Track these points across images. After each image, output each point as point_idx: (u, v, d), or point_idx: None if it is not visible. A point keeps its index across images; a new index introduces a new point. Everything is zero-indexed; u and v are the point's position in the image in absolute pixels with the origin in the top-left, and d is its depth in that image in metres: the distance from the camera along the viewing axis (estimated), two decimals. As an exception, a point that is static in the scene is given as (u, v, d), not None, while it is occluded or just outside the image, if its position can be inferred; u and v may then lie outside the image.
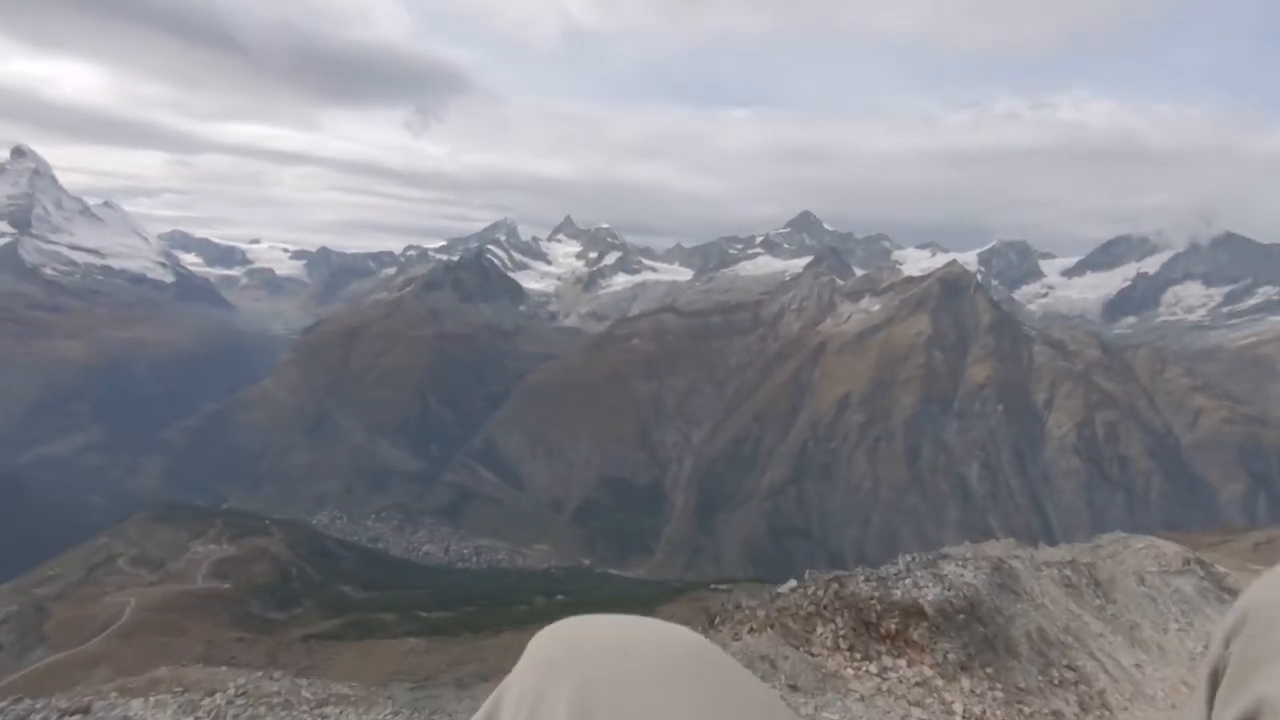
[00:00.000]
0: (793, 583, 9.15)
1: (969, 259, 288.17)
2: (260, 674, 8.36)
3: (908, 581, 8.40)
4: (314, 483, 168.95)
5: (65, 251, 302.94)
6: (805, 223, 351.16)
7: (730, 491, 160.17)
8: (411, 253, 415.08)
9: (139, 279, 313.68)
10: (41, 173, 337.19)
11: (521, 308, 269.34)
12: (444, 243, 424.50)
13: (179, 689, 6.91)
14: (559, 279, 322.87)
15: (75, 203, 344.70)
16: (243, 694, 6.84)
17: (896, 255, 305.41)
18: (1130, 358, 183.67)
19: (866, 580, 8.62)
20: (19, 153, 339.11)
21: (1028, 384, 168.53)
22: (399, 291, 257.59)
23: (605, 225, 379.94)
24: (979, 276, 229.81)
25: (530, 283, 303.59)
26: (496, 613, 69.92)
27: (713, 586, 76.96)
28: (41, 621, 53.86)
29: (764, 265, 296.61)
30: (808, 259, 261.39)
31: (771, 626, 7.66)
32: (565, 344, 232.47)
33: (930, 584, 8.33)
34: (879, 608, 7.92)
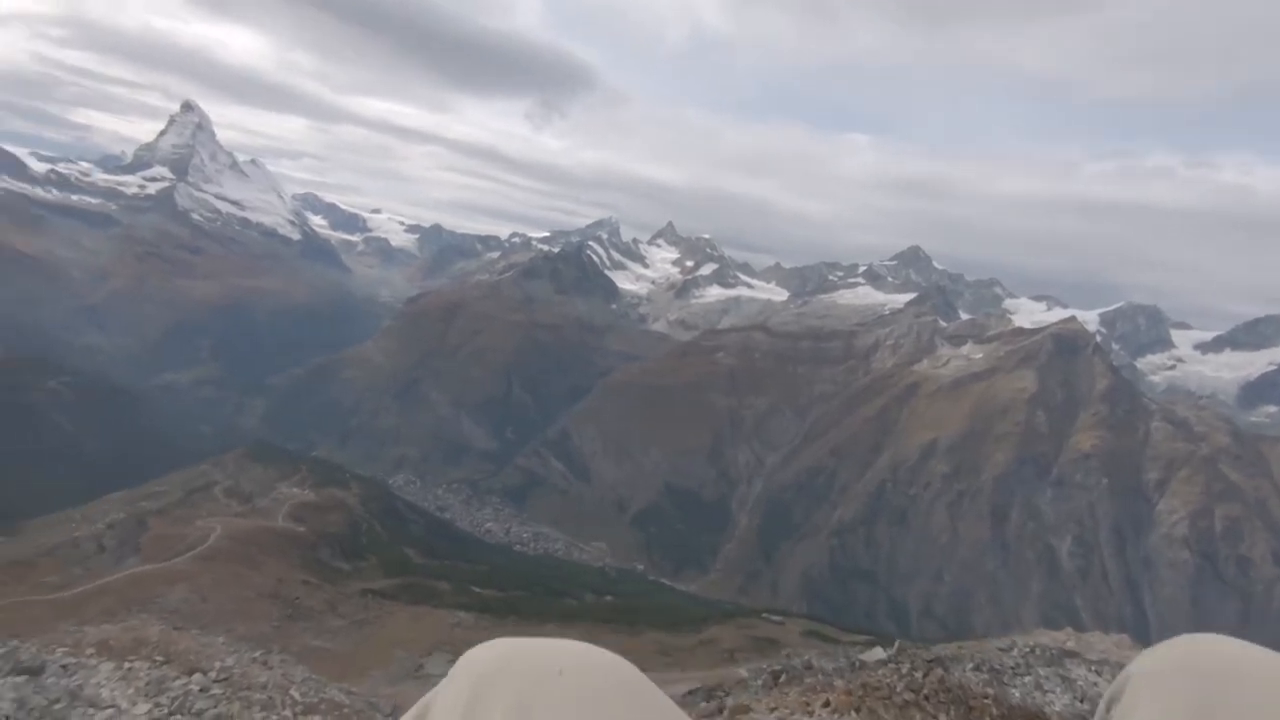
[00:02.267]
0: (880, 652, 7.92)
1: (1089, 318, 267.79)
2: (259, 655, 7.71)
3: (1028, 680, 7.06)
4: (396, 445, 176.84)
5: (212, 200, 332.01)
6: (913, 258, 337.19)
7: (797, 521, 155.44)
8: (516, 239, 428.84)
9: (270, 233, 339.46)
10: (203, 127, 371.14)
11: (613, 306, 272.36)
12: (548, 233, 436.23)
13: (160, 658, 6.16)
14: (653, 283, 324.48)
15: (227, 157, 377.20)
16: (224, 679, 6.05)
17: (1008, 304, 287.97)
18: (1266, 450, 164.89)
19: (976, 669, 7.29)
20: (187, 107, 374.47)
21: (1140, 461, 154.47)
22: (499, 275, 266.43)
23: (706, 235, 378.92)
24: (1099, 337, 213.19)
25: (625, 283, 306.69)
26: (546, 601, 70.38)
27: (765, 615, 74.52)
28: (140, 533, 58.69)
29: (864, 296, 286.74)
30: (911, 295, 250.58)
31: (857, 710, 6.33)
32: (651, 347, 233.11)
33: (1057, 688, 6.91)
34: (995, 711, 6.58)
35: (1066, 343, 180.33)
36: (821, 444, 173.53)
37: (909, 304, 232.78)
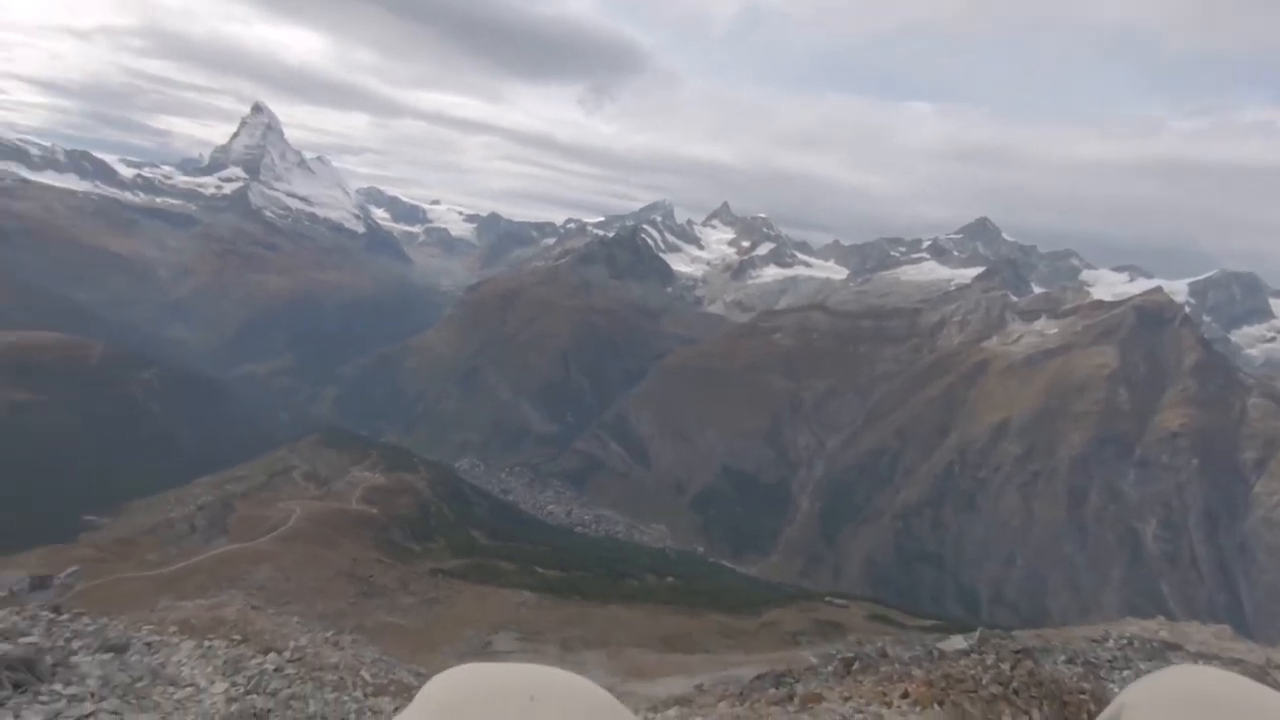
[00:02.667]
0: (960, 641, 7.37)
1: (1178, 288, 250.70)
2: (330, 634, 7.92)
3: (1127, 674, 6.55)
4: (459, 430, 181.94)
5: (283, 198, 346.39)
6: (981, 230, 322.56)
7: (860, 504, 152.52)
8: (571, 225, 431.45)
9: (337, 228, 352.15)
10: (273, 127, 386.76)
11: (669, 289, 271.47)
12: (602, 219, 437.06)
13: (238, 637, 6.32)
14: (709, 264, 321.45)
15: (295, 155, 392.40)
16: (298, 659, 6.17)
17: (1086, 275, 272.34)
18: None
19: (1069, 662, 6.76)
20: (257, 109, 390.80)
21: (1235, 439, 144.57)
22: (555, 262, 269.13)
23: (762, 215, 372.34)
24: (1188, 309, 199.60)
25: (680, 265, 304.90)
26: (608, 582, 71.31)
27: (828, 599, 73.59)
28: (227, 515, 62.39)
29: (928, 271, 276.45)
30: (979, 269, 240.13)
31: (940, 703, 5.88)
32: (707, 330, 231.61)
33: (1160, 685, 6.25)
34: (1093, 708, 5.97)
35: (1151, 315, 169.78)
36: (885, 425, 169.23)
37: (977, 279, 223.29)
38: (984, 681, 6.19)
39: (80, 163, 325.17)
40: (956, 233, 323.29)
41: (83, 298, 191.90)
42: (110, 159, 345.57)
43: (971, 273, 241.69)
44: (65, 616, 6.24)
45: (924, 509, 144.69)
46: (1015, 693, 6.12)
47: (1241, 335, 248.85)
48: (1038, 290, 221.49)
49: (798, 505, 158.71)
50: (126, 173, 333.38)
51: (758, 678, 7.68)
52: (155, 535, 61.54)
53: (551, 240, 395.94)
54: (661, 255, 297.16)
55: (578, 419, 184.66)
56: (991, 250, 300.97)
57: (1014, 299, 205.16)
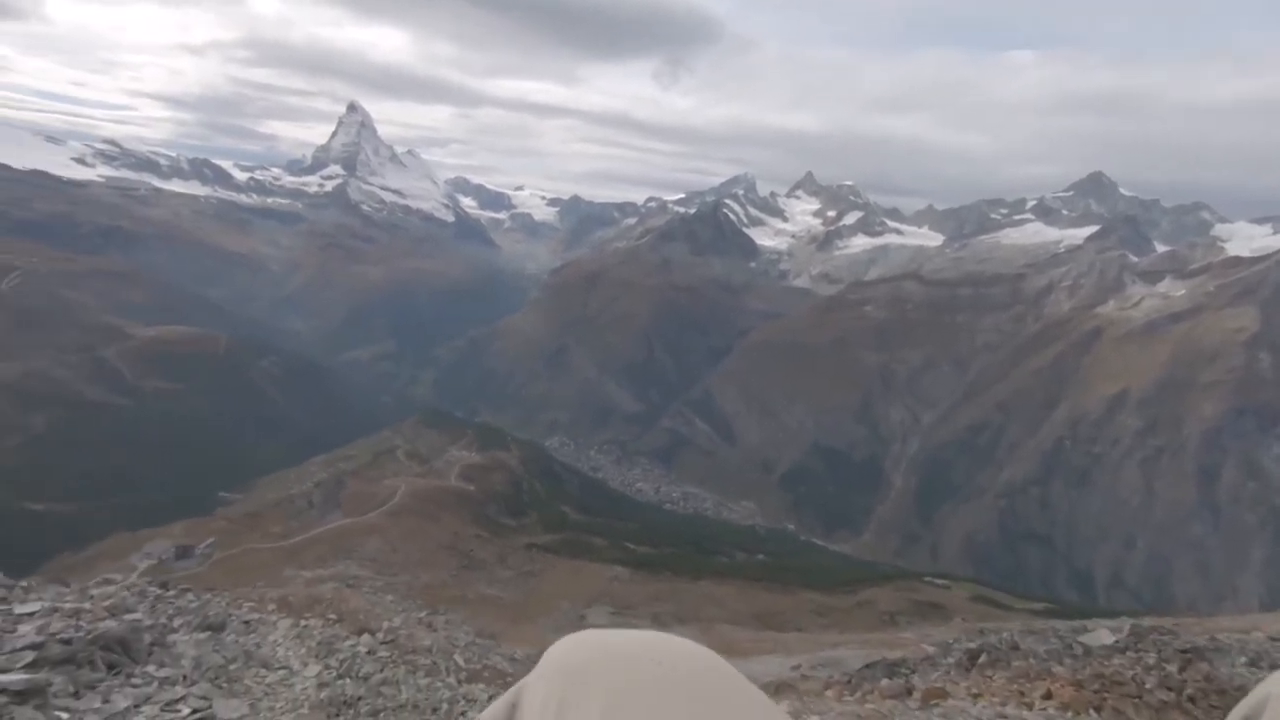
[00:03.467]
0: (1105, 635, 6.47)
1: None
2: (424, 615, 7.89)
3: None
4: (548, 410, 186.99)
5: (378, 191, 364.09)
6: (1095, 186, 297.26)
7: (959, 482, 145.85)
8: (652, 204, 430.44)
9: (428, 218, 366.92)
10: (366, 125, 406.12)
11: (752, 264, 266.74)
12: (683, 195, 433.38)
13: (333, 616, 6.29)
14: (794, 237, 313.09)
15: (387, 150, 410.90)
16: (391, 641, 6.10)
17: (1219, 230, 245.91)
18: None
19: (1252, 664, 5.76)
20: (351, 108, 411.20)
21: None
22: (636, 241, 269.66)
23: (849, 183, 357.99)
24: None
25: (764, 239, 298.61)
26: (698, 559, 71.71)
27: (927, 579, 71.01)
28: (340, 491, 67.00)
29: (1033, 234, 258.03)
30: (1092, 229, 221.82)
31: (1097, 709, 5.00)
32: (792, 304, 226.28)
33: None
34: None
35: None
36: (985, 399, 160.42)
37: (1090, 239, 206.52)
38: (1147, 685, 5.34)
39: (201, 169, 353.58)
40: (1066, 190, 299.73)
41: (211, 294, 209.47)
42: (226, 164, 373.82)
43: (1084, 232, 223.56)
44: (171, 593, 6.24)
45: (1030, 487, 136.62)
46: (1191, 700, 5.20)
47: None
48: (1161, 249, 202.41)
49: (891, 483, 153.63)
50: (241, 176, 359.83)
51: (867, 666, 7.17)
52: (279, 509, 66.85)
53: (632, 220, 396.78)
54: (744, 230, 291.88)
55: (663, 397, 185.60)
56: (1107, 207, 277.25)
57: (1133, 259, 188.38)
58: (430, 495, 67.76)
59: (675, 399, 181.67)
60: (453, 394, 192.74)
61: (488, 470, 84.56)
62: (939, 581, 70.21)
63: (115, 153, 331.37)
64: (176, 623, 5.20)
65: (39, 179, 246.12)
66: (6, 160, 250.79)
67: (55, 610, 5.14)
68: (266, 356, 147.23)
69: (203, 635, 5.02)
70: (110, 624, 4.85)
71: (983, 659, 6.34)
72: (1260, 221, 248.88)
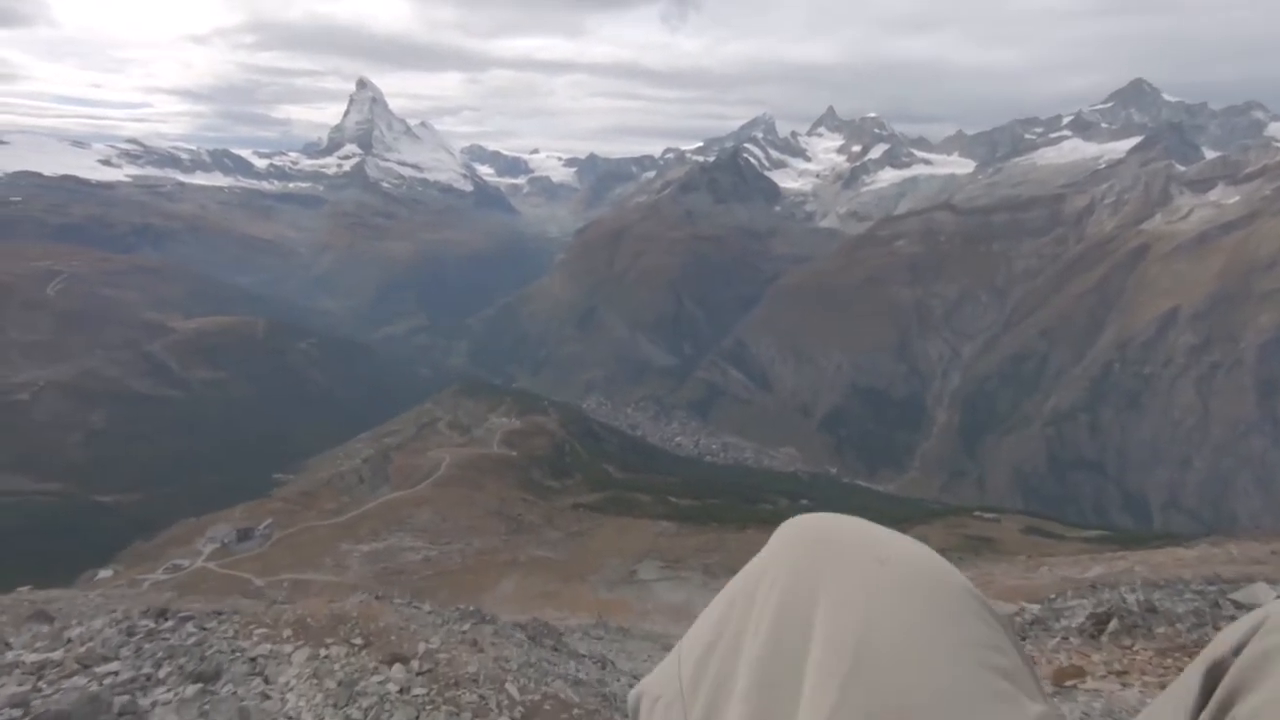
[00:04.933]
0: (1265, 590, 5.54)
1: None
2: (467, 629, 6.61)
3: None
4: (583, 370, 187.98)
5: (395, 167, 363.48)
6: (1135, 94, 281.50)
7: (1004, 413, 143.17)
8: (670, 155, 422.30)
9: (447, 189, 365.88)
10: (378, 100, 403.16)
11: (777, 208, 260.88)
12: (701, 143, 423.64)
13: (359, 640, 4.93)
14: (818, 176, 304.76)
15: (401, 124, 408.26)
16: (428, 671, 4.83)
17: (1274, 129, 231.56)
18: None
19: None
20: (361, 84, 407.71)
21: None
22: (657, 195, 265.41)
23: (872, 115, 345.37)
24: None
25: (787, 181, 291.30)
26: (742, 508, 72.03)
27: (977, 513, 70.31)
28: (387, 465, 68.69)
29: (1070, 151, 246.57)
30: (1135, 140, 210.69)
31: None
32: (821, 246, 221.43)
33: None
34: None
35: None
36: (1027, 327, 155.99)
37: (1132, 151, 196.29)
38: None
39: (222, 160, 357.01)
40: (1105, 102, 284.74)
41: (243, 281, 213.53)
42: (245, 153, 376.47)
43: (1126, 145, 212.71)
44: (168, 624, 5.25)
45: (1078, 413, 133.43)
46: None
47: None
48: (1211, 155, 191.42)
49: (934, 419, 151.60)
50: (260, 164, 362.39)
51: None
52: (331, 486, 68.86)
53: (651, 174, 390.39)
54: (766, 174, 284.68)
55: (695, 349, 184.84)
56: (1150, 116, 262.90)
57: (1180, 169, 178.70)
58: (474, 463, 68.98)
59: (708, 350, 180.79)
60: (488, 362, 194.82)
61: (528, 435, 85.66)
62: (988, 515, 69.45)
63: (139, 151, 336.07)
64: (164, 670, 4.33)
65: (71, 184, 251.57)
66: (38, 168, 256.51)
67: (15, 666, 4.33)
68: (304, 339, 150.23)
69: (191, 691, 4.07)
70: (71, 688, 3.93)
71: (1113, 626, 5.22)
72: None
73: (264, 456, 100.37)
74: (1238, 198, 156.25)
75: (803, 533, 1.25)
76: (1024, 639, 5.56)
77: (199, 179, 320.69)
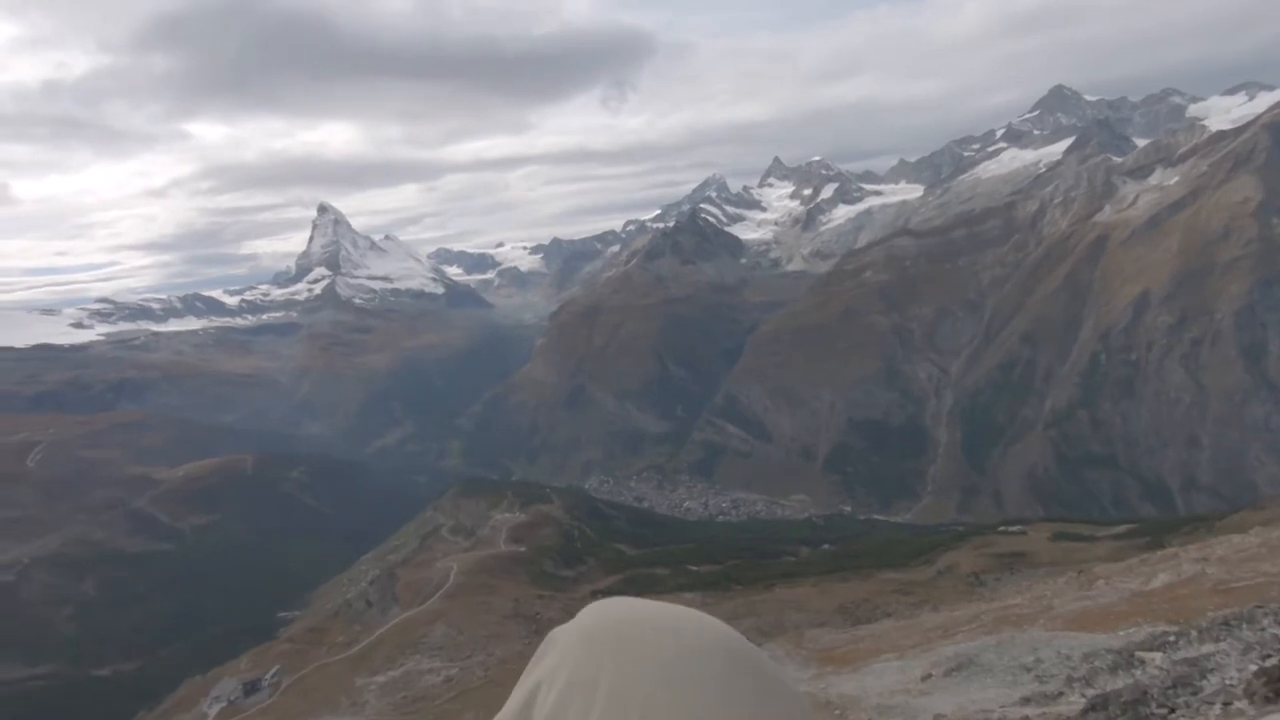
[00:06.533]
0: None
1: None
2: None
3: None
4: (579, 451, 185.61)
5: (365, 282, 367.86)
6: (1058, 100, 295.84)
7: (1002, 423, 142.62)
8: (631, 227, 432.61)
9: (419, 295, 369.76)
10: (340, 221, 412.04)
11: (743, 260, 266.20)
12: (659, 211, 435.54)
13: None
14: (776, 224, 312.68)
15: (365, 241, 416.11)
16: None
17: (1194, 110, 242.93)
18: None
19: None
20: (322, 209, 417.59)
21: None
22: (625, 266, 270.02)
23: (817, 158, 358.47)
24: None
25: (748, 233, 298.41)
26: (763, 565, 69.81)
27: (1001, 529, 68.72)
28: (394, 584, 65.97)
29: (1010, 161, 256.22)
30: (1067, 141, 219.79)
31: None
32: (791, 289, 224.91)
33: None
34: None
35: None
36: (1007, 334, 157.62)
37: (1068, 151, 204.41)
38: None
39: (194, 304, 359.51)
40: (1031, 110, 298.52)
41: (227, 419, 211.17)
42: (216, 293, 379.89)
43: (1060, 147, 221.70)
44: None
45: (1077, 410, 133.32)
46: None
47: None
48: (1141, 143, 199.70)
49: (936, 440, 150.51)
50: (232, 301, 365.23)
51: (1093, 708, 4.64)
52: (339, 618, 65.85)
53: (616, 247, 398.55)
54: (726, 229, 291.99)
55: (688, 411, 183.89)
56: (1076, 117, 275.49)
57: (1116, 160, 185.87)
58: (483, 567, 66.57)
59: (700, 410, 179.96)
60: (483, 458, 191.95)
61: (534, 527, 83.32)
62: (1014, 529, 67.89)
63: (109, 309, 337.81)
64: None
65: (43, 352, 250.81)
66: (10, 342, 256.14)
67: None
68: (295, 467, 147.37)
69: None
70: None
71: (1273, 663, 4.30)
72: (1232, 92, 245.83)
73: (267, 596, 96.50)
74: (1177, 178, 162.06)
75: (589, 620, 1.26)
76: (1171, 710, 4.42)
77: (172, 326, 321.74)
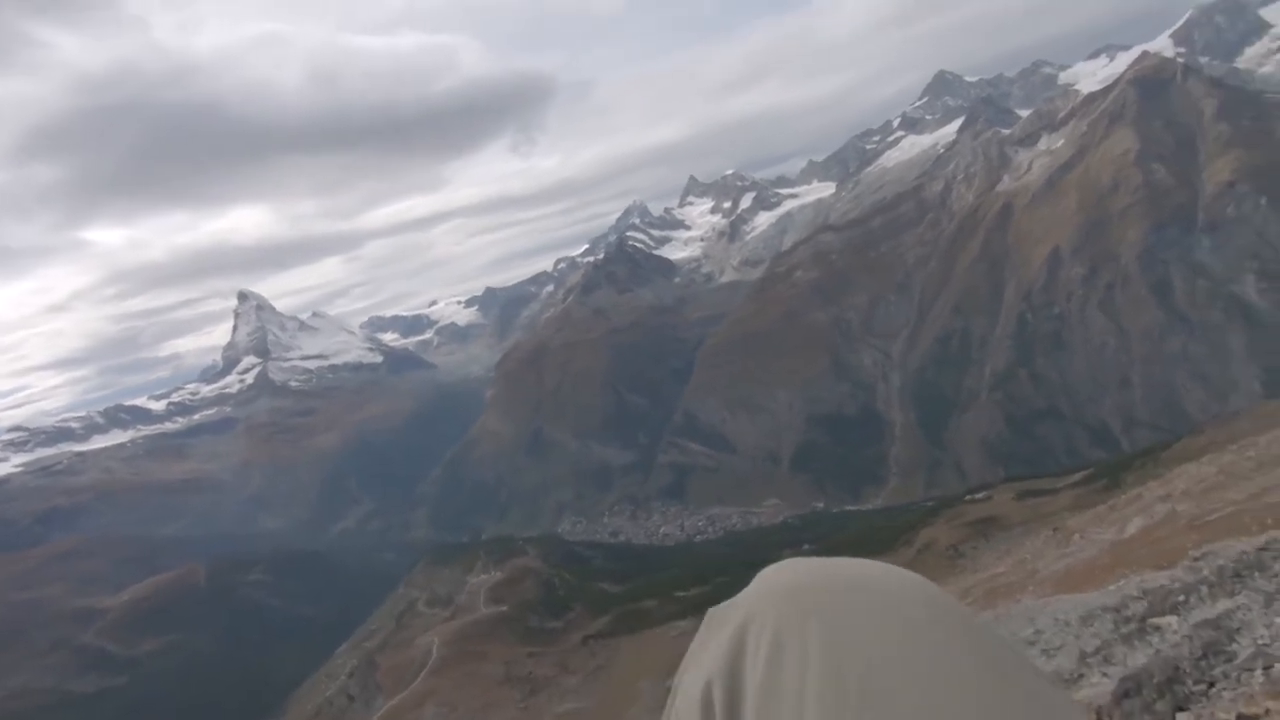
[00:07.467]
0: None
1: (1162, 44, 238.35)
2: None
3: None
4: (548, 495, 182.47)
5: (299, 363, 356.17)
6: (942, 84, 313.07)
7: (951, 395, 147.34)
8: (562, 265, 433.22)
9: (357, 367, 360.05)
10: (263, 306, 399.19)
11: (677, 279, 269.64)
12: (586, 245, 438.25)
13: None
14: (703, 240, 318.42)
15: (293, 321, 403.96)
16: None
17: (1065, 77, 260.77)
18: None
19: None
20: (242, 296, 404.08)
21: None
22: (563, 304, 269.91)
23: (730, 171, 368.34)
24: (1181, 59, 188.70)
25: (677, 253, 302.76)
26: (750, 576, 69.32)
27: (969, 498, 70.35)
28: (374, 672, 62.69)
29: (911, 147, 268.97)
30: (957, 122, 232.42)
31: None
32: (730, 300, 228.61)
33: None
34: None
35: (1149, 82, 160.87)
36: (939, 309, 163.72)
37: (960, 130, 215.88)
38: None
39: (118, 416, 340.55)
40: (920, 98, 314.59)
41: (170, 530, 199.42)
42: (140, 401, 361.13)
43: (952, 127, 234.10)
44: None
45: (1016, 370, 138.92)
46: None
47: (1246, 60, 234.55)
48: (1024, 113, 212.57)
49: (892, 423, 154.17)
50: (159, 406, 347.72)
51: (1125, 694, 4.35)
52: (321, 718, 62.14)
53: (550, 287, 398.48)
54: (655, 252, 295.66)
55: (649, 436, 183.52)
56: (961, 98, 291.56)
57: (1005, 132, 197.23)
58: (466, 634, 64.09)
59: (661, 434, 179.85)
60: (451, 522, 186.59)
61: (514, 583, 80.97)
62: (979, 496, 69.63)
63: (24, 437, 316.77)
64: None
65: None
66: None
67: None
68: (252, 568, 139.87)
69: None
70: None
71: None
72: (1094, 55, 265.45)
73: (240, 711, 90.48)
74: (1063, 141, 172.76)
75: (781, 576, 1.20)
76: (1210, 685, 4.23)
77: (97, 443, 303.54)
